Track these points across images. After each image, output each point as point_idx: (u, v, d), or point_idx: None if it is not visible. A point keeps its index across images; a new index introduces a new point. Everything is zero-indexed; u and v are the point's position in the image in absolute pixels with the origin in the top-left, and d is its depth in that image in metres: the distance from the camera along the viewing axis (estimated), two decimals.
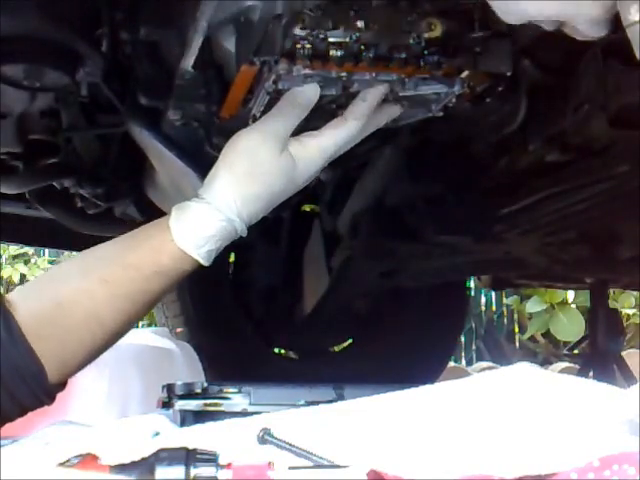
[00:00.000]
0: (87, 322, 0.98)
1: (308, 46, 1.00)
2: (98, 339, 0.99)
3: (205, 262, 1.02)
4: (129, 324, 1.02)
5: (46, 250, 5.46)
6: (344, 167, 1.21)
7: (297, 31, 0.99)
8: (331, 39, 1.00)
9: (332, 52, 1.01)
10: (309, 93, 1.04)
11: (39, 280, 1.07)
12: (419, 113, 1.16)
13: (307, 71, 1.01)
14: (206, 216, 1.01)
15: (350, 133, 1.07)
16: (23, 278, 5.50)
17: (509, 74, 1.07)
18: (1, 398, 0.91)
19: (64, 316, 0.97)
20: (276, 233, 2.37)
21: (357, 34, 1.01)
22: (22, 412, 0.94)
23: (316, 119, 1.08)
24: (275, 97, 1.05)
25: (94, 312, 0.98)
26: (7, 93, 1.36)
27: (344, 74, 1.03)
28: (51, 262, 5.68)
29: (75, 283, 1.00)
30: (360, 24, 1.00)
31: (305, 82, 1.03)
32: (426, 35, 1.03)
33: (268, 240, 2.37)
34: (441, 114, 1.15)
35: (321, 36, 1.00)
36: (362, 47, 1.02)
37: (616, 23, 0.81)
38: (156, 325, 2.79)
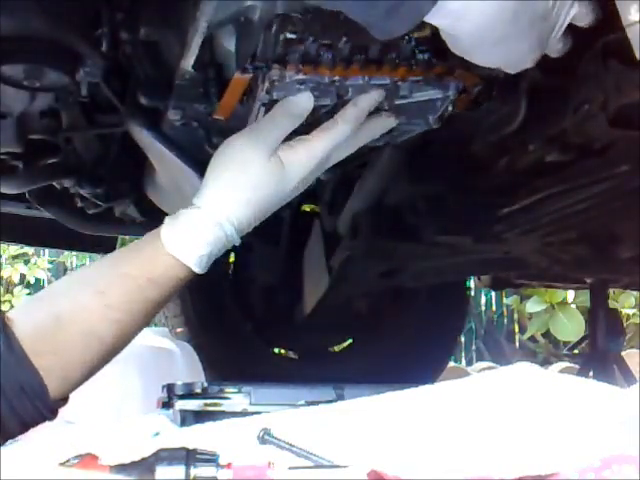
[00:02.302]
0: (85, 335, 0.98)
1: (299, 50, 0.99)
2: (96, 352, 0.99)
3: (197, 268, 1.01)
4: (126, 336, 1.01)
5: (46, 250, 5.47)
6: (344, 167, 1.20)
7: (287, 35, 0.98)
8: (321, 42, 1.00)
9: (323, 55, 1.00)
10: (303, 102, 1.03)
11: (39, 296, 1.07)
12: (417, 126, 1.16)
13: (299, 76, 1.01)
14: (195, 221, 1.01)
15: (339, 136, 1.05)
16: (23, 278, 5.51)
17: (502, 75, 1.06)
18: (4, 414, 0.91)
19: (63, 330, 0.97)
20: (276, 233, 2.37)
21: (347, 36, 1.00)
22: (23, 428, 0.94)
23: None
24: (270, 109, 1.04)
25: (91, 325, 0.98)
26: (7, 93, 1.36)
27: (337, 78, 1.03)
28: (51, 262, 5.69)
29: (73, 296, 1.00)
30: (349, 26, 1.00)
31: (298, 90, 1.02)
32: (416, 35, 1.02)
33: (268, 240, 2.37)
34: (439, 125, 1.15)
35: (311, 39, 0.99)
36: (352, 49, 1.01)
37: (616, 23, 0.81)
38: (156, 325, 2.79)
